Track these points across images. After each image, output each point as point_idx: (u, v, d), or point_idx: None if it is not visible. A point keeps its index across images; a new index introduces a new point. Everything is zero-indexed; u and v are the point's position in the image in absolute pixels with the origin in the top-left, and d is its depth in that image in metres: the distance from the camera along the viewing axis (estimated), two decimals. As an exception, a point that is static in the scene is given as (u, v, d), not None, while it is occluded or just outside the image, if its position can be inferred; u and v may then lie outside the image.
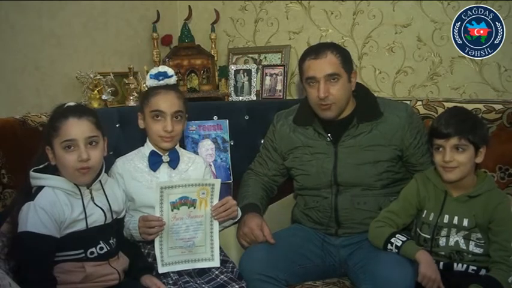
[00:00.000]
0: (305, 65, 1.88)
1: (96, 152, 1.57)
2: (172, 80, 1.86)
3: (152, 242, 1.73)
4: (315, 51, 1.87)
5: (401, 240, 1.68)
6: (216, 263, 1.77)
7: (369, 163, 1.87)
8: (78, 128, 1.54)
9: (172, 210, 1.69)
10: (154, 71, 1.85)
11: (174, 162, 1.86)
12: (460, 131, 1.65)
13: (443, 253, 1.71)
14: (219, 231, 1.81)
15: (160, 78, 1.83)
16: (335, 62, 1.84)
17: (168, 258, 1.72)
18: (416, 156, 1.90)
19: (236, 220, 1.88)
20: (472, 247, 1.68)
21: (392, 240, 1.70)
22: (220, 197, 1.77)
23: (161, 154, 1.84)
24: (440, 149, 1.68)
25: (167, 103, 1.79)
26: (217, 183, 1.74)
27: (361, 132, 1.89)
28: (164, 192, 1.67)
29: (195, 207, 1.72)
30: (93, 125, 1.57)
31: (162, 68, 1.85)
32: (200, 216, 1.74)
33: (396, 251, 1.68)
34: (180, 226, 1.72)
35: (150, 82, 1.84)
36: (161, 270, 1.71)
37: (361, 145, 1.88)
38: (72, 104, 1.62)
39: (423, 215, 1.76)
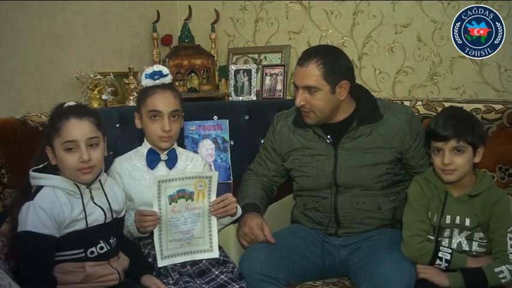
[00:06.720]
0: (295, 69, 1.89)
1: (97, 152, 1.57)
2: (168, 79, 1.86)
3: (152, 242, 1.73)
4: (303, 57, 1.87)
5: (448, 253, 1.65)
6: (215, 254, 1.77)
7: (368, 165, 1.87)
8: (79, 129, 1.54)
9: (170, 204, 1.70)
10: (149, 70, 1.85)
11: (171, 162, 1.86)
12: (459, 133, 1.63)
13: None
14: (218, 230, 1.81)
15: (156, 77, 1.83)
16: (314, 74, 1.81)
17: (168, 251, 1.72)
18: (416, 158, 1.90)
19: (235, 219, 1.88)
20: (475, 247, 1.68)
21: (440, 254, 1.66)
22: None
23: (159, 153, 1.85)
24: (440, 152, 1.67)
25: (164, 102, 1.79)
26: (215, 175, 1.74)
27: (361, 134, 1.89)
28: (162, 186, 1.67)
29: (192, 200, 1.73)
30: (94, 125, 1.57)
31: (157, 67, 1.85)
32: (198, 208, 1.74)
33: (446, 264, 1.65)
34: (178, 219, 1.72)
35: (146, 82, 1.84)
36: (161, 263, 1.72)
37: (361, 147, 1.88)
38: (72, 103, 1.62)
39: (428, 217, 1.75)
